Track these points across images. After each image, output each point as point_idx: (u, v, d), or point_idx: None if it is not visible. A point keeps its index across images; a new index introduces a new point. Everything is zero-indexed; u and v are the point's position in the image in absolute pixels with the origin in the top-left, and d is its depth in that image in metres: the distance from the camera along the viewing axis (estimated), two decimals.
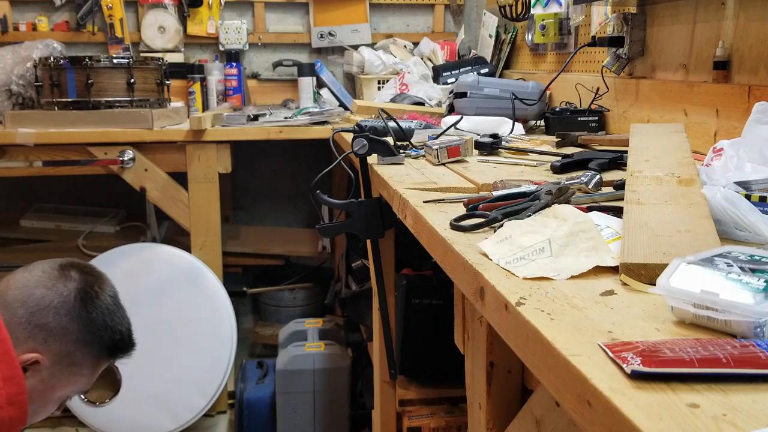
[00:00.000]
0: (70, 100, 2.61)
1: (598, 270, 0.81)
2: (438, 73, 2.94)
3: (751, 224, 0.88)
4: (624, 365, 0.56)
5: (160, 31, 3.32)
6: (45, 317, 1.26)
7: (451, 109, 2.45)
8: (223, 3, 3.40)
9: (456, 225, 1.01)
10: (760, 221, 0.88)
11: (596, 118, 2.06)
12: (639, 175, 1.11)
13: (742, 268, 0.65)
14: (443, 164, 1.60)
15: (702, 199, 0.95)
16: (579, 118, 2.07)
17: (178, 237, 3.08)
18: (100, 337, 1.33)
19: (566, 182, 1.14)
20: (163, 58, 2.84)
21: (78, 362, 1.31)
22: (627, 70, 2.02)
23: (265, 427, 2.72)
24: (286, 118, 2.82)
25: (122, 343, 1.39)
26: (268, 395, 2.71)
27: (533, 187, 1.13)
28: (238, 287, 3.26)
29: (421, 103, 2.61)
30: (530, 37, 2.65)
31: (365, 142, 1.59)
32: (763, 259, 0.68)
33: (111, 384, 1.82)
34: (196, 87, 3.12)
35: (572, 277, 0.79)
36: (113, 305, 1.37)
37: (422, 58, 3.15)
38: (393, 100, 2.70)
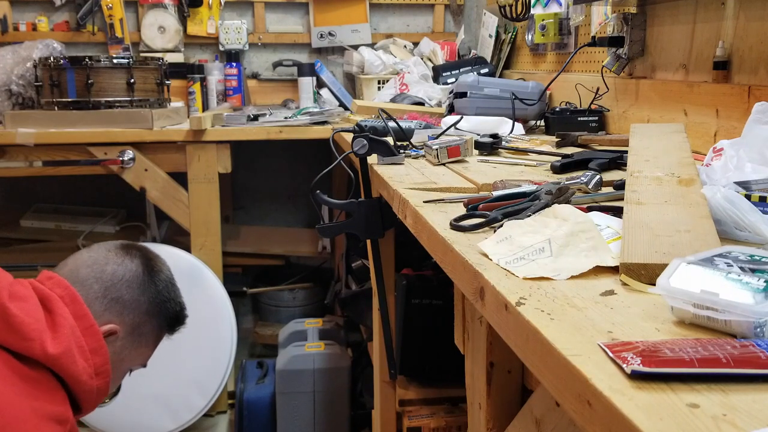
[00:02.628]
0: (70, 100, 2.61)
1: (598, 270, 0.81)
2: (438, 73, 2.94)
3: (751, 224, 0.88)
4: (624, 365, 0.56)
5: (160, 31, 3.32)
6: (119, 291, 1.33)
7: (451, 109, 2.45)
8: (223, 3, 3.40)
9: (456, 225, 1.02)
10: (760, 221, 0.88)
11: (596, 118, 2.06)
12: (639, 175, 1.11)
13: (742, 268, 0.65)
14: (443, 164, 1.60)
15: (702, 199, 0.95)
16: (579, 118, 2.07)
17: (178, 237, 3.08)
18: (165, 309, 1.41)
19: (566, 182, 1.14)
20: (163, 58, 2.84)
21: (146, 333, 1.38)
22: (627, 70, 2.02)
23: (265, 427, 2.72)
24: (286, 118, 2.82)
25: (182, 314, 1.47)
26: (268, 395, 2.71)
27: (533, 187, 1.13)
28: (238, 287, 3.26)
29: (421, 103, 2.61)
30: (530, 37, 2.65)
31: (365, 142, 1.59)
32: (763, 259, 0.68)
33: None
34: (196, 87, 3.12)
35: (572, 277, 0.79)
36: (172, 278, 1.45)
37: (422, 58, 3.15)
38: (393, 100, 2.70)
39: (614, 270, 0.81)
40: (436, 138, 1.79)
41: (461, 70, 2.87)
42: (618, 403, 0.52)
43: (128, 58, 2.66)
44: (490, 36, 3.04)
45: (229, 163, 2.78)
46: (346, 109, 3.03)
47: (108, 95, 2.63)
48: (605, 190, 1.21)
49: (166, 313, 1.42)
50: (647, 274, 0.77)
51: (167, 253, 2.72)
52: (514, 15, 2.52)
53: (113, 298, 1.32)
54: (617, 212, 1.00)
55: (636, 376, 0.55)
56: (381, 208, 1.67)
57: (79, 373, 1.21)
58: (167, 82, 2.81)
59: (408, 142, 1.80)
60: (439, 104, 2.66)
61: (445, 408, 1.94)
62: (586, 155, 1.53)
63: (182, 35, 3.37)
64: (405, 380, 1.98)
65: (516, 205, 1.04)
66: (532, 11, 2.51)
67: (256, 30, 3.49)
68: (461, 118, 2.03)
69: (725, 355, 0.56)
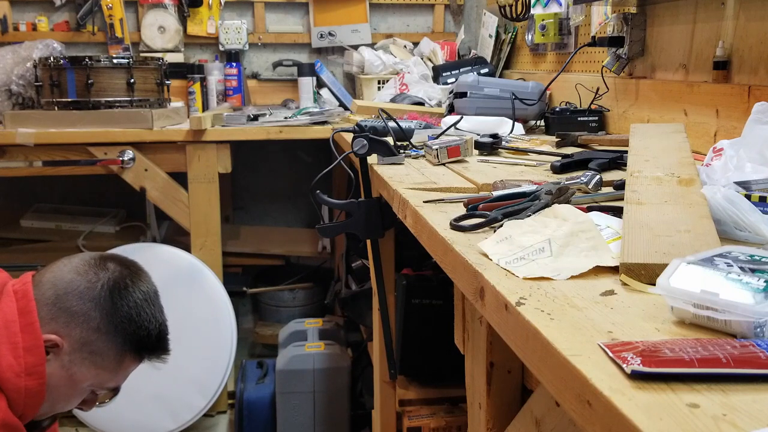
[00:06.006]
0: (70, 100, 2.61)
1: (598, 270, 0.81)
2: (438, 73, 2.94)
3: (751, 224, 0.88)
4: (624, 365, 0.56)
5: (160, 31, 3.32)
6: (69, 301, 1.28)
7: (451, 109, 2.45)
8: (223, 3, 3.40)
9: (456, 225, 1.02)
10: (760, 221, 0.88)
11: (596, 118, 2.06)
12: (639, 175, 1.11)
13: (742, 268, 0.65)
14: (443, 164, 1.60)
15: (702, 199, 0.95)
16: (579, 118, 2.07)
17: (178, 237, 3.08)
18: (123, 330, 1.31)
19: (566, 182, 1.14)
20: (163, 58, 2.84)
21: (99, 352, 1.30)
22: (627, 70, 2.02)
23: (265, 427, 2.72)
24: (286, 118, 2.82)
25: (148, 340, 1.36)
26: (268, 395, 2.71)
27: (533, 187, 1.13)
28: (238, 287, 3.26)
29: (421, 103, 2.61)
30: (530, 37, 2.65)
31: (365, 142, 1.59)
32: (763, 259, 0.68)
33: None
34: (196, 87, 3.12)
35: (572, 277, 0.79)
36: (143, 301, 1.35)
37: (422, 58, 3.15)
38: (393, 100, 2.70)
39: (614, 270, 0.81)
40: (436, 138, 1.79)
41: (461, 70, 2.87)
42: (618, 403, 0.52)
43: (128, 58, 2.66)
44: (490, 36, 3.04)
45: (229, 163, 2.78)
46: (346, 109, 3.03)
47: (108, 95, 2.63)
48: (605, 190, 1.21)
49: (125, 335, 1.32)
50: (647, 274, 0.77)
51: (167, 253, 2.73)
52: (514, 15, 2.52)
53: (61, 307, 1.27)
54: (617, 212, 1.00)
55: (636, 376, 0.55)
56: (381, 208, 1.67)
57: (2, 369, 1.17)
58: (167, 82, 2.81)
59: (408, 142, 1.80)
60: (439, 104, 2.66)
61: (445, 408, 1.94)
62: (586, 155, 1.53)
63: (182, 35, 3.37)
64: (405, 380, 1.98)
65: (516, 205, 1.04)
66: (532, 11, 2.51)
67: (256, 30, 3.49)
68: (461, 118, 2.03)
69: (725, 355, 0.56)
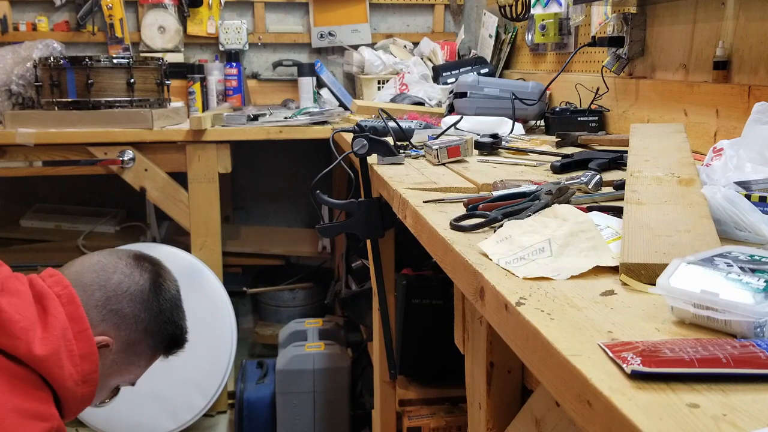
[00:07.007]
0: (70, 100, 2.61)
1: (598, 270, 0.81)
2: (438, 73, 2.94)
3: (751, 224, 0.88)
4: (624, 365, 0.56)
5: (160, 31, 3.32)
6: (120, 303, 1.27)
7: (451, 109, 2.45)
8: (223, 3, 3.40)
9: (456, 225, 1.02)
10: (760, 221, 0.88)
11: (596, 118, 2.06)
12: (639, 175, 1.11)
13: (742, 268, 0.65)
14: (443, 164, 1.60)
15: (702, 199, 0.95)
16: (579, 118, 2.07)
17: (178, 237, 3.08)
18: (164, 330, 1.33)
19: (566, 182, 1.14)
20: (163, 58, 2.84)
21: (140, 352, 1.31)
22: (627, 70, 2.02)
23: (265, 427, 2.72)
24: (286, 118, 2.82)
25: (180, 337, 1.38)
26: (268, 395, 2.71)
27: (533, 187, 1.13)
28: (238, 287, 3.26)
29: (421, 103, 2.61)
30: (530, 37, 2.65)
31: (365, 142, 1.59)
32: (763, 259, 0.68)
33: None
34: (196, 87, 3.12)
35: (572, 277, 0.79)
36: (178, 299, 1.37)
37: (422, 58, 3.15)
38: (393, 100, 2.70)
39: (614, 270, 0.81)
40: (436, 138, 1.79)
41: (461, 70, 2.87)
42: (618, 403, 0.52)
43: (128, 58, 2.66)
44: (490, 36, 3.04)
45: (229, 163, 2.78)
46: (346, 109, 3.03)
47: (108, 95, 2.63)
48: (605, 190, 1.21)
49: (164, 335, 1.34)
50: (647, 274, 0.77)
51: (167, 253, 2.73)
52: (514, 15, 2.52)
53: (113, 309, 1.26)
54: (617, 212, 1.00)
55: (636, 376, 0.55)
56: (381, 208, 1.67)
57: (65, 378, 1.15)
58: (167, 82, 2.81)
59: (408, 142, 1.80)
60: (439, 104, 2.66)
61: (445, 408, 1.94)
62: (586, 155, 1.53)
63: (182, 35, 3.37)
64: (405, 380, 1.98)
65: (516, 205, 1.04)
66: (532, 11, 2.51)
67: (256, 30, 3.49)
68: (461, 118, 2.03)
69: (725, 355, 0.56)
